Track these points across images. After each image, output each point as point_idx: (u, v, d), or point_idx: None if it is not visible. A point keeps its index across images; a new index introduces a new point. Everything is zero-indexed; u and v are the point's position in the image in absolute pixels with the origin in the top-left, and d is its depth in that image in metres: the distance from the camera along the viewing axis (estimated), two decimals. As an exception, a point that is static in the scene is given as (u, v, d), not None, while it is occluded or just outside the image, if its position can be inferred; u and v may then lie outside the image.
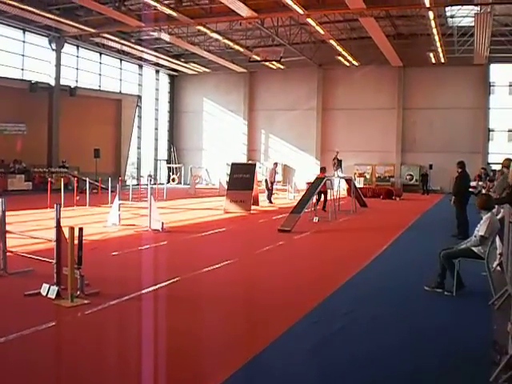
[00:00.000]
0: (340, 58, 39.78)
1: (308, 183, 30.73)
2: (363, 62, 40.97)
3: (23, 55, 35.85)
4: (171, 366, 5.50)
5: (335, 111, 45.17)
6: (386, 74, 42.94)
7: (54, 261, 7.94)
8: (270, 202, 27.11)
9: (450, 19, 32.48)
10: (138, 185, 41.20)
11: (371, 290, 9.20)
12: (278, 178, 44.17)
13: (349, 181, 25.86)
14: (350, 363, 5.81)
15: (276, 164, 29.20)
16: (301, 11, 28.47)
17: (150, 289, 8.59)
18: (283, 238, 14.79)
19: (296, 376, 5.48)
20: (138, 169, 48.42)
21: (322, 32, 32.87)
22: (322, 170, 22.81)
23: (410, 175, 43.08)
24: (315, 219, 19.00)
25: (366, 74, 43.01)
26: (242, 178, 23.31)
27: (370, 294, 8.88)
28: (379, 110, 43.36)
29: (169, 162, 50.57)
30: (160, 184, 38.25)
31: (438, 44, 33.75)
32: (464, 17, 31.25)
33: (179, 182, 47.48)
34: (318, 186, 19.24)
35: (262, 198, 27.20)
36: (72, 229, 7.58)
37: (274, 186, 31.00)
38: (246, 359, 5.69)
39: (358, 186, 27.80)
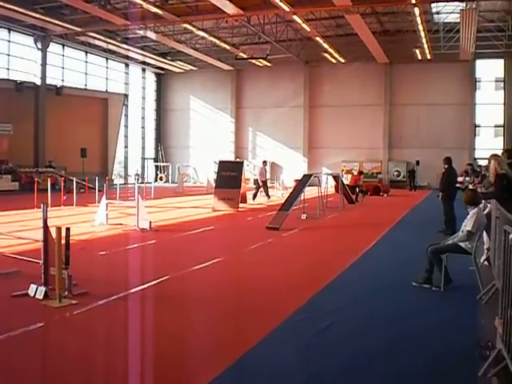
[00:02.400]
0: (326, 54, 39.85)
1: (296, 180, 30.79)
2: (349, 58, 41.05)
3: (9, 55, 35.64)
4: (158, 367, 5.48)
5: (322, 108, 45.25)
6: (372, 71, 43.06)
7: (42, 261, 7.90)
8: (254, 199, 26.94)
9: (435, 15, 32.65)
10: (125, 184, 41.05)
11: (359, 286, 9.22)
12: (267, 175, 44.25)
13: (336, 177, 25.91)
14: (337, 362, 5.81)
15: (265, 162, 29.06)
16: (287, 8, 28.47)
17: (138, 288, 8.56)
18: (272, 236, 14.80)
19: (283, 376, 5.48)
20: (126, 168, 48.26)
21: (308, 29, 32.90)
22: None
23: (398, 171, 43.24)
24: (303, 216, 19.02)
25: (352, 70, 43.09)
26: (229, 176, 23.29)
27: (358, 291, 8.89)
28: (366, 106, 43.48)
29: (156, 160, 50.47)
30: (147, 183, 38.15)
31: (424, 40, 33.88)
32: (450, 13, 31.43)
33: (167, 181, 47.42)
34: (306, 184, 19.24)
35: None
36: (59, 229, 7.54)
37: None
38: (233, 359, 5.68)
39: (345, 182, 27.84)
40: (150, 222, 15.48)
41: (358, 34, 33.55)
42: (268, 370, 5.52)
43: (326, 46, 36.93)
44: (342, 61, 41.49)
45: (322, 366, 5.68)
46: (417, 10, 28.23)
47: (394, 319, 7.35)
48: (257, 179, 28.72)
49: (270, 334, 6.48)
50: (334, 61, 41.64)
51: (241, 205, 23.08)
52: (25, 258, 8.95)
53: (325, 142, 44.86)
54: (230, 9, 29.23)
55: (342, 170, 41.41)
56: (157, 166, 49.72)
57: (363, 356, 5.94)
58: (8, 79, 35.37)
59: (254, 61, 40.07)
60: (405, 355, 6.04)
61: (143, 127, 49.87)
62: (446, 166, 15.86)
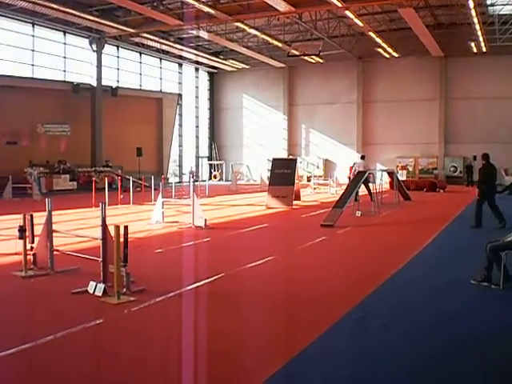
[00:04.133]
0: (380, 49, 39.40)
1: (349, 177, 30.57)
2: (403, 53, 40.48)
3: (65, 57, 36.50)
4: (214, 364, 5.52)
5: (376, 104, 44.76)
6: (426, 65, 42.34)
7: (101, 259, 8.06)
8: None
9: (490, 8, 31.85)
10: (180, 182, 41.51)
11: (416, 285, 9.09)
12: (320, 172, 44.20)
13: (391, 174, 25.58)
14: (392, 360, 5.74)
15: (364, 157, 27.23)
16: (339, 4, 28.25)
17: (194, 285, 8.65)
18: (326, 233, 14.73)
19: (339, 374, 5.45)
20: (180, 166, 48.80)
21: (360, 24, 32.58)
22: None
23: (454, 167, 42.42)
24: (358, 213, 18.83)
25: (406, 65, 42.48)
26: (283, 174, 23.28)
27: (415, 290, 8.77)
28: (421, 101, 42.78)
29: (210, 158, 50.85)
30: (202, 181, 38.47)
31: (479, 33, 33.11)
32: (504, 5, 30.63)
33: (221, 179, 47.72)
34: (360, 180, 19.07)
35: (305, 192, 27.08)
36: (117, 227, 7.68)
37: (316, 181, 31.00)
38: (287, 358, 5.67)
39: (400, 178, 27.47)
40: (205, 220, 15.60)
41: (411, 28, 33.03)
42: (321, 370, 5.49)
43: (379, 40, 36.49)
44: (396, 55, 40.95)
45: (377, 366, 5.63)
46: (471, 3, 27.59)
47: (451, 318, 7.20)
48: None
49: (325, 333, 6.44)
50: (387, 55, 41.14)
51: (294, 202, 23.04)
52: (84, 256, 9.15)
53: (379, 137, 44.36)
54: (282, 6, 29.19)
55: (397, 166, 40.84)
56: (211, 165, 50.09)
57: (422, 357, 5.85)
58: (65, 81, 36.26)
59: (306, 57, 39.87)
60: (468, 356, 5.89)
61: (197, 126, 50.29)
62: (484, 162, 15.87)
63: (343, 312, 7.20)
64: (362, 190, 21.14)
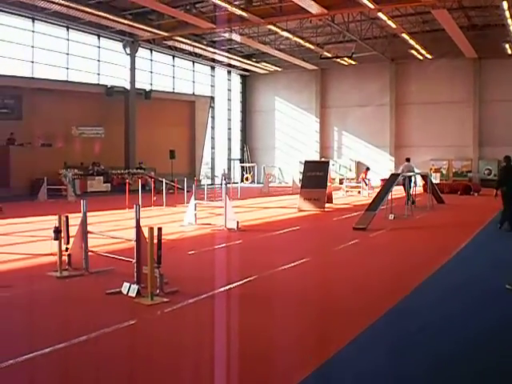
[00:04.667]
0: (413, 51, 39.07)
1: (383, 180, 30.36)
2: (437, 55, 40.06)
3: (99, 60, 36.90)
4: (247, 365, 5.53)
5: (409, 106, 44.33)
6: (460, 67, 41.79)
7: (134, 260, 8.14)
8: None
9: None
10: (212, 184, 41.67)
11: (450, 289, 8.99)
12: (352, 175, 43.97)
13: (425, 177, 25.33)
14: (428, 364, 5.68)
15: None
16: (372, 6, 28.09)
17: (227, 287, 8.67)
18: (358, 236, 14.65)
19: (374, 376, 5.41)
20: (212, 169, 48.98)
21: (393, 26, 32.34)
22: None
23: (489, 170, 41.76)
24: (391, 216, 18.67)
25: (440, 66, 42.00)
26: (315, 176, 23.21)
27: (449, 294, 8.68)
28: (455, 103, 42.24)
29: (242, 161, 50.93)
30: (234, 183, 38.57)
31: (514, 35, 32.66)
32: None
33: (252, 181, 47.75)
34: (393, 183, 18.90)
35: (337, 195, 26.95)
36: (151, 229, 7.74)
37: (349, 184, 30.89)
38: (321, 360, 5.64)
39: (434, 181, 27.16)
40: (238, 222, 15.64)
41: (444, 30, 32.68)
42: (356, 372, 5.47)
43: (412, 42, 36.18)
44: (429, 57, 40.54)
45: (412, 369, 5.57)
46: (505, 4, 27.18)
47: (486, 323, 7.11)
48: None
49: (359, 335, 6.41)
50: (420, 57, 40.77)
51: (327, 205, 22.96)
52: (118, 257, 9.25)
53: (412, 140, 43.93)
54: (314, 8, 29.11)
55: (431, 169, 40.39)
56: (243, 167, 50.16)
57: (454, 358, 5.79)
58: (99, 84, 36.67)
59: (338, 60, 39.78)
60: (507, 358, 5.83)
61: (229, 129, 50.44)
62: (504, 164, 16.18)
63: (377, 315, 7.16)
64: (398, 193, 20.99)
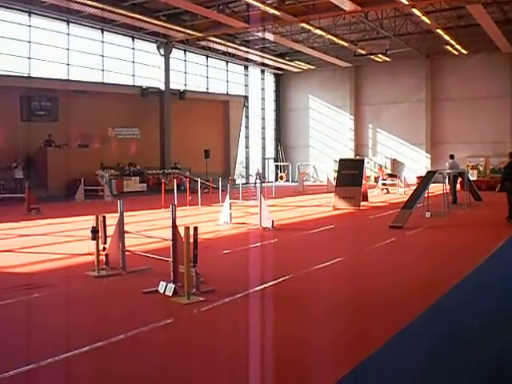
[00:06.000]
0: (448, 47, 38.55)
1: (419, 177, 30.03)
2: (472, 50, 39.44)
3: (133, 62, 37.26)
4: (282, 365, 5.52)
5: (445, 102, 43.74)
6: (497, 62, 41.07)
7: (171, 259, 8.19)
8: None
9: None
10: (246, 183, 41.74)
11: (488, 289, 8.85)
12: (387, 172, 43.57)
13: (462, 174, 24.98)
14: (464, 367, 5.60)
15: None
16: (406, 1, 27.78)
17: (262, 286, 8.67)
18: (394, 235, 14.52)
19: (410, 377, 5.34)
20: (247, 168, 49.08)
21: (428, 22, 31.97)
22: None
23: (527, 166, 40.99)
24: (427, 214, 18.45)
25: (475, 62, 41.33)
26: (350, 174, 23.07)
27: (487, 294, 8.54)
28: (492, 98, 41.52)
29: (276, 160, 50.91)
30: (268, 182, 38.59)
31: (550, 29, 32.01)
32: None
33: (287, 180, 47.73)
34: (430, 180, 18.67)
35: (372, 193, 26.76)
36: (187, 228, 7.77)
37: (384, 181, 30.65)
38: (358, 359, 5.60)
39: (471, 178, 26.75)
40: (273, 221, 15.64)
41: (480, 25, 32.20)
42: (391, 372, 5.42)
43: (447, 37, 35.70)
44: (465, 52, 39.94)
45: (447, 368, 5.50)
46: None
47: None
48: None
49: (395, 335, 6.34)
50: (456, 53, 40.20)
51: (362, 203, 22.80)
52: (154, 256, 9.33)
53: (448, 137, 43.33)
54: (347, 5, 28.95)
55: (468, 166, 39.78)
56: (277, 166, 50.16)
57: (489, 361, 5.70)
58: (134, 85, 37.03)
59: (372, 56, 39.47)
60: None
61: (263, 128, 50.45)
62: (510, 160, 16.51)
63: (413, 315, 7.07)
64: (434, 190, 20.74)
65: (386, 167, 45.02)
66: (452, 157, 24.76)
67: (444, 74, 43.67)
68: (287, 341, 6.26)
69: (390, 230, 15.51)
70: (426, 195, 18.37)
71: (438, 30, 34.11)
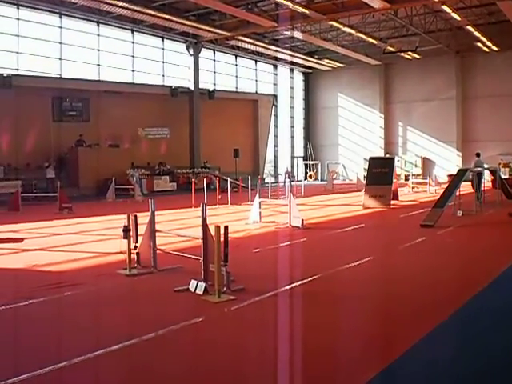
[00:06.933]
0: (478, 43, 38.12)
1: (450, 176, 29.72)
2: (503, 46, 38.98)
3: (163, 62, 37.52)
4: (313, 365, 5.51)
5: (476, 100, 43.23)
6: (530, 58, 40.53)
7: (201, 258, 8.22)
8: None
9: None
10: (276, 182, 41.73)
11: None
12: (418, 171, 43.23)
13: (493, 172, 24.66)
14: (497, 367, 5.52)
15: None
16: (435, -2, 27.60)
17: (292, 285, 8.66)
18: (425, 234, 14.37)
19: (442, 376, 5.30)
20: (276, 167, 49.10)
21: (458, 18, 31.69)
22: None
23: (561, 164, 40.34)
24: (459, 213, 18.23)
25: (507, 58, 40.78)
26: (380, 173, 22.92)
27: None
28: (523, 96, 40.98)
29: (305, 158, 50.83)
30: (297, 181, 38.52)
31: None
32: None
33: (316, 179, 47.62)
34: (461, 179, 18.46)
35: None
36: (218, 227, 7.80)
37: (414, 180, 30.37)
38: (387, 362, 5.55)
39: (503, 176, 26.39)
40: (302, 220, 15.59)
41: (510, 21, 31.77)
42: (424, 372, 5.37)
43: (477, 34, 35.32)
44: (496, 49, 39.46)
45: (478, 369, 5.44)
46: None
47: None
48: None
49: (427, 335, 6.28)
50: (486, 50, 39.73)
51: (392, 202, 22.64)
52: (185, 255, 9.38)
53: (480, 134, 42.79)
54: (377, 3, 28.80)
55: (499, 164, 39.26)
56: (306, 164, 50.09)
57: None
58: (163, 85, 37.29)
59: (402, 54, 39.22)
60: None
61: (292, 126, 50.42)
62: None
63: (445, 315, 7.00)
64: (466, 189, 20.50)
65: (416, 165, 44.74)
66: (478, 155, 24.48)
67: (475, 71, 43.16)
68: (317, 340, 6.25)
69: (421, 228, 15.36)
70: (457, 194, 18.16)
71: (469, 27, 33.79)
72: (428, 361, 5.63)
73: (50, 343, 6.31)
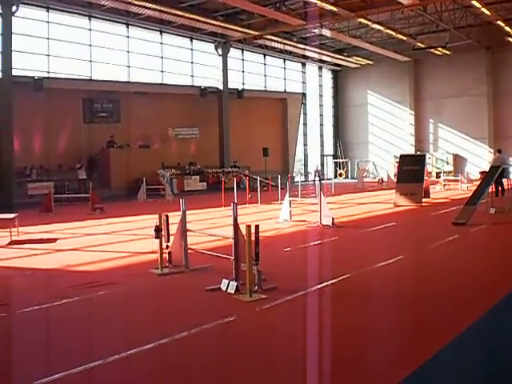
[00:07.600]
0: (509, 39, 37.57)
1: (482, 173, 29.35)
2: (535, 41, 38.39)
3: (192, 62, 37.70)
4: (344, 364, 5.49)
5: (508, 95, 42.57)
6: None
7: (233, 257, 8.25)
8: None
9: None
10: (305, 181, 41.64)
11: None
12: (449, 168, 42.76)
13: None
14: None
15: None
16: (465, -7, 27.28)
17: (323, 284, 8.64)
18: (458, 232, 14.20)
19: (473, 377, 5.24)
20: (305, 165, 49.01)
21: (488, 13, 31.27)
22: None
23: None
24: (492, 210, 17.99)
25: (540, 53, 40.17)
26: (411, 170, 22.74)
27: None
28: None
29: (335, 156, 50.62)
30: (327, 179, 38.40)
31: None
32: None
33: (346, 177, 47.41)
34: (494, 176, 18.21)
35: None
36: (249, 226, 7.82)
37: (446, 177, 30.05)
38: (423, 359, 5.50)
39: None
40: (333, 219, 15.53)
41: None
42: (456, 372, 5.32)
43: (508, 29, 34.81)
44: (527, 44, 38.92)
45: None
46: None
47: None
48: None
49: (459, 336, 6.19)
50: (517, 44, 39.20)
51: (424, 199, 22.44)
52: (216, 254, 9.42)
53: (512, 130, 42.21)
54: (406, -1, 28.58)
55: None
56: (336, 163, 49.89)
57: None
58: (193, 85, 37.47)
59: (432, 50, 38.80)
60: None
61: (321, 124, 50.26)
62: None
63: (477, 315, 6.92)
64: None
65: (447, 162, 44.27)
66: (499, 151, 24.18)
67: (506, 67, 42.53)
68: (348, 340, 6.23)
69: (453, 226, 15.18)
70: (490, 191, 17.91)
71: (499, 22, 33.31)
72: (460, 360, 5.58)
73: (84, 342, 6.39)
